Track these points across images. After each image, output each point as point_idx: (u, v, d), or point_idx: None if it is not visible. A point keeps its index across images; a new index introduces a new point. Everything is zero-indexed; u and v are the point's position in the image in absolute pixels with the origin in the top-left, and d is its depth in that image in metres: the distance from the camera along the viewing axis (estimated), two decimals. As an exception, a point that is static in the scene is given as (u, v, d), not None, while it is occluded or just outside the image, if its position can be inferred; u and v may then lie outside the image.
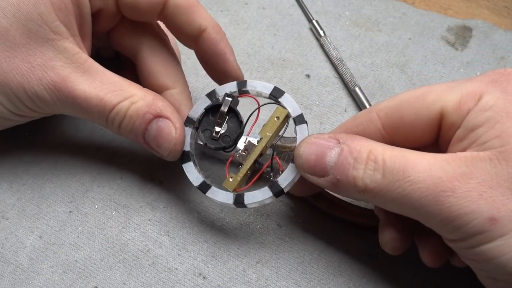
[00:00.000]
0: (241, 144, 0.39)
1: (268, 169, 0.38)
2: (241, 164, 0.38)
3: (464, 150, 0.32)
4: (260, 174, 0.38)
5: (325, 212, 0.41)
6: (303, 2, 0.53)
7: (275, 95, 0.39)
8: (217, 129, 0.39)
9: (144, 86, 0.40)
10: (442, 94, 0.33)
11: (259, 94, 0.40)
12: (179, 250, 0.41)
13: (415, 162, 0.31)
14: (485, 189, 0.29)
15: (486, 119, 0.31)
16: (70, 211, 0.42)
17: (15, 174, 0.44)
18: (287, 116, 0.38)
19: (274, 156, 0.38)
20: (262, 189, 0.37)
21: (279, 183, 0.37)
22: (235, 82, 0.40)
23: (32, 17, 0.36)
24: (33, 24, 0.36)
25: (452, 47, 0.50)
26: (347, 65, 0.49)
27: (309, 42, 0.51)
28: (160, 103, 0.39)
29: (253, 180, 0.38)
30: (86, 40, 0.40)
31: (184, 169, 0.39)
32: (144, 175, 0.44)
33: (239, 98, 0.39)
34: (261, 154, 0.38)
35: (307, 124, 0.38)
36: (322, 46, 0.51)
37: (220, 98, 0.39)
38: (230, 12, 0.53)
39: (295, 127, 0.38)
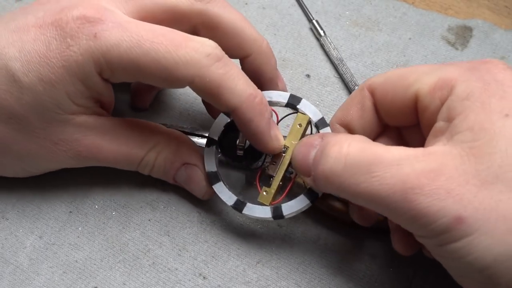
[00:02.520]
0: (268, 158, 0.38)
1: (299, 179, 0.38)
2: (271, 176, 0.37)
3: (439, 141, 0.31)
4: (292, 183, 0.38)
5: (325, 213, 0.41)
6: (303, 2, 0.53)
7: (293, 102, 0.38)
8: (240, 145, 0.38)
9: None
10: (420, 76, 0.33)
11: (275, 104, 0.39)
12: (179, 250, 0.41)
13: (383, 157, 0.30)
14: (453, 187, 0.29)
15: (463, 109, 0.30)
16: (70, 211, 0.42)
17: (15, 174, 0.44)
18: (309, 122, 0.38)
19: None
20: (298, 198, 0.37)
21: (314, 189, 0.37)
22: None
23: (48, 107, 0.36)
24: (50, 112, 0.36)
25: (453, 47, 0.50)
26: (347, 65, 0.49)
27: (309, 42, 0.51)
28: (185, 150, 0.40)
29: (287, 190, 0.38)
30: (107, 106, 0.40)
31: (216, 190, 0.39)
32: (145, 175, 0.44)
33: None
34: (290, 163, 0.37)
35: (330, 127, 0.38)
36: (322, 46, 0.51)
37: None
38: (230, 12, 0.53)
39: (317, 131, 0.38)
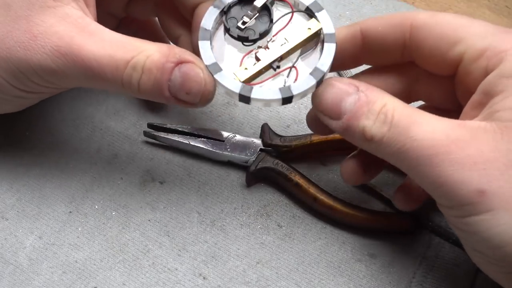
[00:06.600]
0: (264, 42, 0.37)
1: (285, 74, 0.36)
2: (258, 59, 0.36)
3: (476, 116, 0.31)
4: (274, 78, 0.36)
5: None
6: (303, 2, 0.53)
7: (313, 8, 0.37)
8: (246, 19, 0.37)
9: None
10: (471, 37, 0.33)
11: (296, 4, 0.38)
12: (179, 250, 0.41)
13: (421, 122, 0.31)
14: (481, 160, 0.29)
15: (505, 87, 0.30)
16: (70, 212, 0.42)
17: (15, 175, 0.44)
18: (319, 31, 0.36)
19: (294, 66, 0.36)
20: (272, 88, 0.35)
21: (291, 89, 0.35)
22: None
23: None
24: None
25: (453, 47, 0.50)
26: (347, 65, 0.49)
27: (309, 42, 0.51)
28: (178, 50, 0.36)
29: (265, 79, 0.36)
30: (91, 7, 0.38)
31: (200, 46, 0.36)
32: (144, 176, 0.44)
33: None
34: (281, 58, 0.36)
35: (336, 46, 0.36)
36: (322, 46, 0.51)
37: None
38: (230, 12, 0.53)
39: (323, 45, 0.36)
